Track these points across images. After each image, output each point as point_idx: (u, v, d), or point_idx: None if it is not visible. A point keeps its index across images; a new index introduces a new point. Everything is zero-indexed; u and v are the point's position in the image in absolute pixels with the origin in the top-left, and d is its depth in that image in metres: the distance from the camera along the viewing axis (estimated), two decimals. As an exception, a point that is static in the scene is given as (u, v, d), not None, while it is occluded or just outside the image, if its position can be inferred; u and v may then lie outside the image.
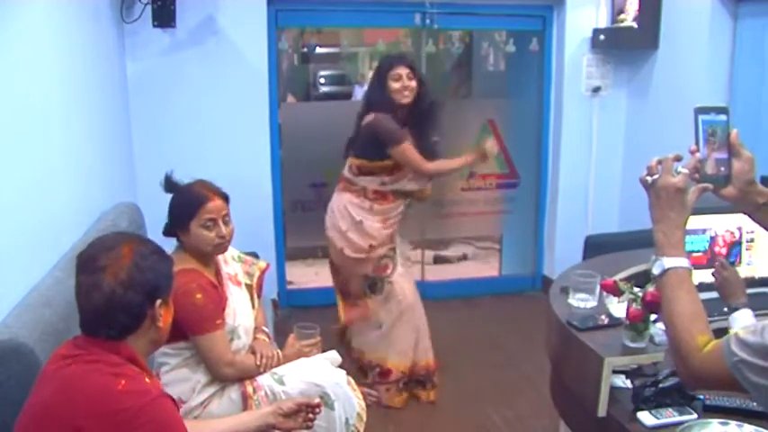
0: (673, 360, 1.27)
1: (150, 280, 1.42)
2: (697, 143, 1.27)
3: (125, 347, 1.40)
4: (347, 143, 3.20)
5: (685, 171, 1.26)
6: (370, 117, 3.04)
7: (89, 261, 1.40)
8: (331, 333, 3.18)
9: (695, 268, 1.29)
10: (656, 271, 1.28)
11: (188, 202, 2.13)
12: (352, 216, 3.12)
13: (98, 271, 1.37)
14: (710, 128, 1.27)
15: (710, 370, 1.18)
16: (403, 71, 3.01)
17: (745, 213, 1.37)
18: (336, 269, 3.30)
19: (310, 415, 1.92)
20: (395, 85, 3.01)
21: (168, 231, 2.19)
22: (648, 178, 1.29)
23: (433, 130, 3.14)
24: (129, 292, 1.38)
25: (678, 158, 1.28)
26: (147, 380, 1.39)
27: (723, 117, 1.28)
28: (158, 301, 1.45)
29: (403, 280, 3.22)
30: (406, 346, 3.22)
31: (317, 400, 1.97)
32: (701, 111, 1.27)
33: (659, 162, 1.28)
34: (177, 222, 2.15)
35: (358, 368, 3.24)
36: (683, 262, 1.26)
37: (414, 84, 3.01)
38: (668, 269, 1.25)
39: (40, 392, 1.37)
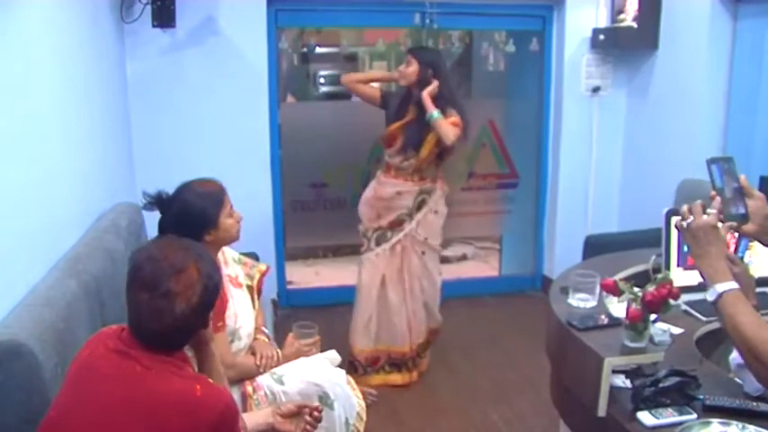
0: (751, 367, 1.41)
1: (214, 296, 1.45)
2: (714, 188, 1.50)
3: (180, 352, 1.45)
4: None
5: (714, 211, 1.48)
6: None
7: (157, 282, 1.37)
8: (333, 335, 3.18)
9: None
10: (710, 298, 1.46)
11: (210, 198, 2.12)
12: None
13: (170, 296, 1.36)
14: (724, 165, 1.53)
15: None
16: (407, 58, 3.23)
17: (765, 245, 1.57)
18: None
19: (308, 418, 1.89)
20: (400, 69, 3.27)
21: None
22: (684, 223, 1.50)
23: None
24: (199, 315, 1.41)
25: (703, 206, 1.50)
26: (210, 380, 1.45)
27: (732, 163, 1.54)
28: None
29: (366, 265, 3.33)
30: (354, 327, 3.35)
31: (316, 404, 1.95)
32: (712, 161, 1.53)
33: (689, 209, 1.50)
34: (205, 222, 2.09)
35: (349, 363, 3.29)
36: (733, 284, 1.45)
37: (410, 69, 3.18)
38: (722, 293, 1.44)
39: (103, 388, 1.36)
